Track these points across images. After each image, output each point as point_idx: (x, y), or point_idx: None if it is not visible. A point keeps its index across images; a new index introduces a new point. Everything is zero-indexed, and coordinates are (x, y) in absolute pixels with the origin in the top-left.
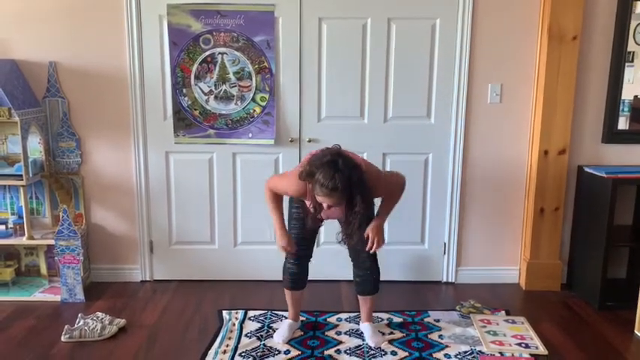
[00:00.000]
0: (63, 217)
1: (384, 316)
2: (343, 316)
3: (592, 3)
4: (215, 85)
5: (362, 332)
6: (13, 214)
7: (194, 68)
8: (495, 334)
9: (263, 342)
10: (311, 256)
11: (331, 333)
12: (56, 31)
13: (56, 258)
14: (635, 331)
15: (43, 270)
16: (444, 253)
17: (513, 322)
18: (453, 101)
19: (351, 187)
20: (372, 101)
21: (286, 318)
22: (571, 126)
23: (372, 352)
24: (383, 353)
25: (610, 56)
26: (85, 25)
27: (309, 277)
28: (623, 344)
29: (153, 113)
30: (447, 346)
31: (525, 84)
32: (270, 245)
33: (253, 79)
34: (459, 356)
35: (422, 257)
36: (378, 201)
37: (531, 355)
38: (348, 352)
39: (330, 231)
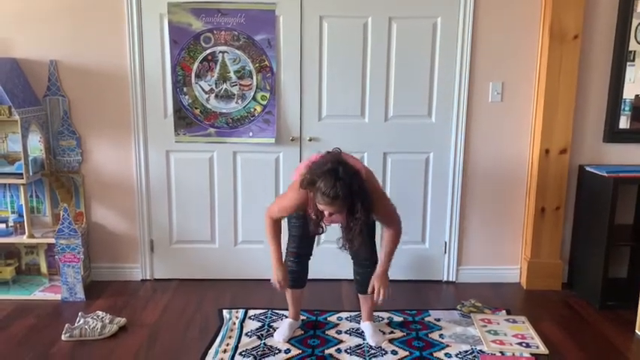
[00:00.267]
0: (63, 215)
1: (385, 315)
2: (344, 315)
3: (593, 2)
4: (216, 84)
5: (362, 331)
6: (13, 212)
7: (195, 67)
8: (496, 333)
9: (263, 341)
10: (311, 255)
11: (332, 332)
12: (57, 29)
13: (56, 257)
14: (636, 331)
15: (44, 269)
16: (445, 252)
17: (514, 321)
18: (454, 100)
19: (352, 195)
20: (372, 100)
21: (287, 317)
22: (572, 125)
23: (373, 351)
24: (383, 352)
25: (611, 55)
26: (86, 24)
27: (310, 276)
28: (624, 344)
29: (153, 112)
30: (447, 346)
31: (526, 83)
32: None
33: (254, 77)
34: (459, 355)
35: (423, 256)
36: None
37: (532, 354)
38: (348, 351)
39: (330, 230)
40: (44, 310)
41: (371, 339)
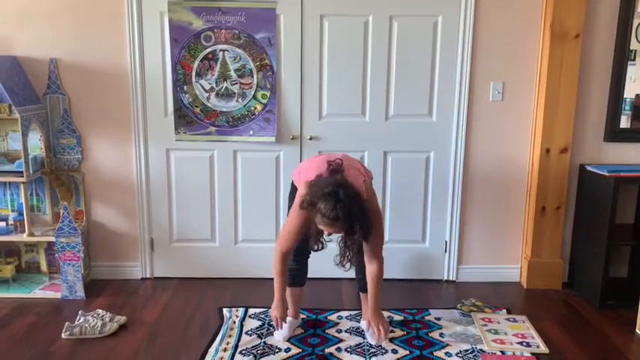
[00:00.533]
0: (63, 214)
1: (385, 314)
2: (344, 313)
3: (594, 1)
4: (216, 83)
5: (363, 330)
6: (13, 210)
7: (195, 65)
8: (496, 332)
9: (263, 340)
10: (310, 253)
11: (332, 331)
12: (57, 27)
13: (56, 255)
14: (636, 330)
15: (44, 267)
16: (445, 251)
17: (514, 320)
18: (455, 99)
19: (352, 217)
20: (373, 99)
21: (287, 316)
22: (573, 124)
23: (373, 350)
24: (384, 351)
25: (612, 54)
26: (86, 22)
27: (310, 275)
28: (625, 343)
29: (154, 110)
30: (447, 345)
31: (527, 82)
32: (270, 243)
33: (254, 76)
34: (459, 355)
35: (423, 255)
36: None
37: (532, 353)
38: (348, 350)
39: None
40: (44, 309)
41: (371, 338)
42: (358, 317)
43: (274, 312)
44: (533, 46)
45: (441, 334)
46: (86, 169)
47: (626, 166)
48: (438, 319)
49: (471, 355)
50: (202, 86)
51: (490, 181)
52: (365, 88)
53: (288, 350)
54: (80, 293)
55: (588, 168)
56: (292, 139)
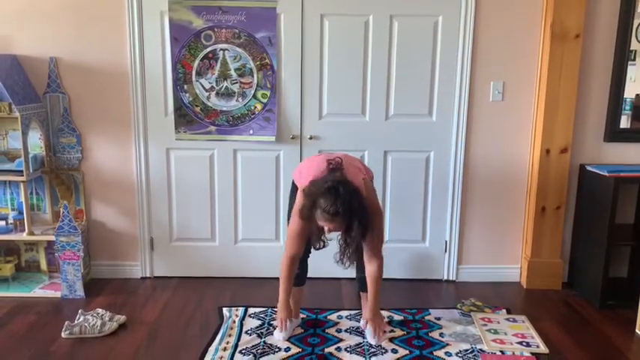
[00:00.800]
0: (63, 213)
1: (385, 313)
2: (344, 313)
3: (595, 1)
4: (216, 82)
5: (362, 330)
6: (13, 209)
7: (195, 64)
8: (496, 332)
9: (263, 339)
10: (310, 252)
11: (332, 330)
12: (57, 26)
13: (56, 254)
14: (636, 330)
15: (43, 266)
16: (445, 251)
17: (514, 320)
18: (455, 99)
19: (352, 213)
20: (373, 99)
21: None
22: (573, 124)
23: (373, 349)
24: (383, 351)
25: (613, 55)
26: (86, 21)
27: (310, 275)
28: (624, 343)
29: (154, 109)
30: (447, 345)
31: (528, 82)
32: (270, 243)
33: (255, 75)
34: (459, 354)
35: (423, 255)
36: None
37: (532, 353)
38: (348, 349)
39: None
40: (44, 308)
41: (370, 337)
42: (358, 317)
43: (279, 314)
44: (533, 46)
45: (440, 334)
46: (86, 168)
47: (626, 166)
48: (438, 318)
49: (470, 355)
50: (202, 85)
51: (490, 180)
52: (365, 87)
53: (287, 350)
54: (80, 292)
55: (588, 168)
56: (292, 138)
